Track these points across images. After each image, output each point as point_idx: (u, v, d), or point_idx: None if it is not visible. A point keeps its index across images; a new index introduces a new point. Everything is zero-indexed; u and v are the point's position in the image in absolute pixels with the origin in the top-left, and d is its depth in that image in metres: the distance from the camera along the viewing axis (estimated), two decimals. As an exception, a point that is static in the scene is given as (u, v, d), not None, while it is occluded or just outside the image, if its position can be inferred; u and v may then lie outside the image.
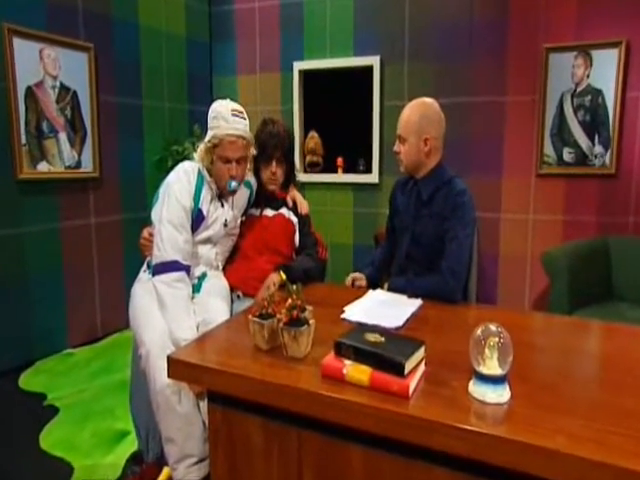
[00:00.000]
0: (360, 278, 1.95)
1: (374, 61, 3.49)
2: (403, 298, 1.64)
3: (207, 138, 1.74)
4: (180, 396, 1.52)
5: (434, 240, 1.76)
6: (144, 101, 3.41)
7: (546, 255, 2.70)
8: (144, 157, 3.43)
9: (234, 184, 1.76)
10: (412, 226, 1.83)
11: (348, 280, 1.96)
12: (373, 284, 1.92)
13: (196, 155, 1.79)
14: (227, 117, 1.70)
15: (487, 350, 0.95)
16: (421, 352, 1.05)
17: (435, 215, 1.76)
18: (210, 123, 1.74)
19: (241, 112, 1.74)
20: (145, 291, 1.69)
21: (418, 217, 1.82)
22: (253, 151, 1.83)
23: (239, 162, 1.75)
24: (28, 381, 2.55)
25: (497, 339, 0.95)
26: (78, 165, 2.94)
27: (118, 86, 3.19)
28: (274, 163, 1.93)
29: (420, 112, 1.76)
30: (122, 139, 3.25)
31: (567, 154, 3.08)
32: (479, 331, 0.98)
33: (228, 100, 1.77)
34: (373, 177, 3.60)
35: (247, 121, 1.76)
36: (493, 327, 0.97)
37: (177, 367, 1.16)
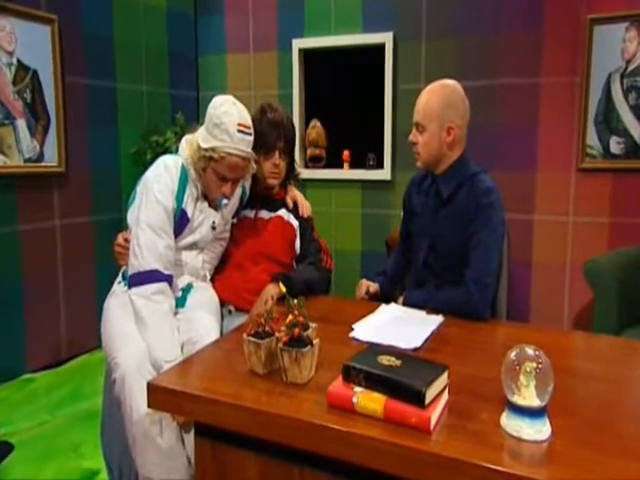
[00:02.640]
0: (371, 285, 1.97)
1: (386, 38, 3.50)
2: (421, 314, 1.65)
3: (205, 144, 1.71)
4: (161, 427, 1.52)
5: (456, 246, 1.76)
6: (118, 84, 3.43)
7: (589, 264, 2.70)
8: (119, 149, 3.44)
9: (225, 202, 1.82)
10: (430, 230, 1.84)
11: (361, 289, 1.97)
12: (386, 297, 1.93)
13: (182, 150, 1.81)
14: (232, 133, 1.69)
15: (522, 377, 0.95)
16: (444, 378, 1.05)
17: (457, 217, 1.77)
18: (211, 129, 1.71)
19: (248, 127, 1.74)
20: (120, 305, 1.70)
21: (437, 219, 1.83)
22: (253, 168, 1.86)
23: (235, 181, 1.80)
24: (-22, 412, 2.54)
25: (534, 364, 0.95)
26: (40, 158, 2.95)
27: (87, 66, 3.21)
28: (277, 154, 1.96)
29: (442, 96, 1.77)
30: (92, 128, 3.26)
31: (615, 145, 3.08)
32: (513, 354, 0.98)
33: (234, 104, 1.74)
34: (385, 173, 3.61)
35: (252, 136, 1.77)
36: (530, 350, 0.97)
37: (158, 395, 1.16)
